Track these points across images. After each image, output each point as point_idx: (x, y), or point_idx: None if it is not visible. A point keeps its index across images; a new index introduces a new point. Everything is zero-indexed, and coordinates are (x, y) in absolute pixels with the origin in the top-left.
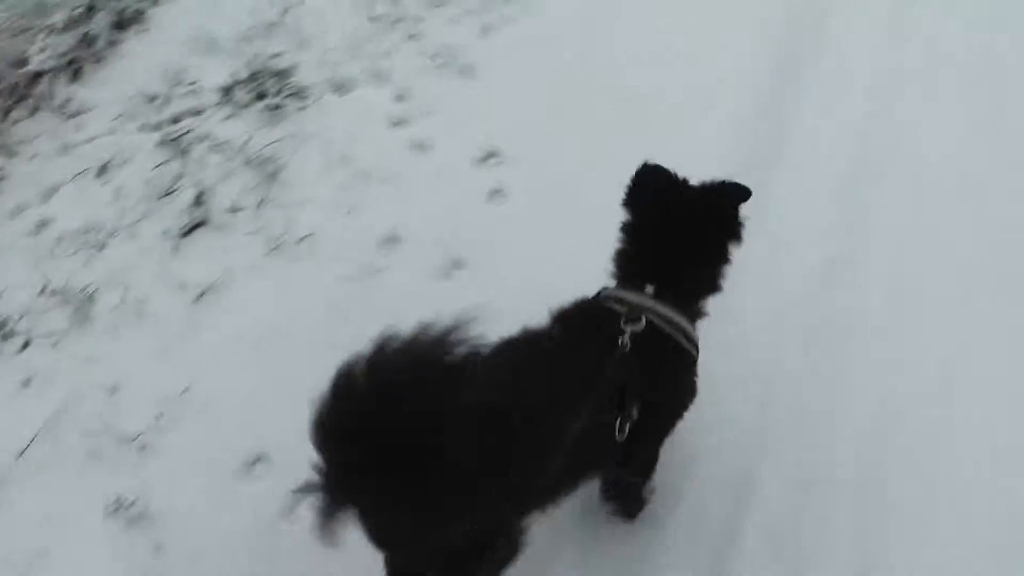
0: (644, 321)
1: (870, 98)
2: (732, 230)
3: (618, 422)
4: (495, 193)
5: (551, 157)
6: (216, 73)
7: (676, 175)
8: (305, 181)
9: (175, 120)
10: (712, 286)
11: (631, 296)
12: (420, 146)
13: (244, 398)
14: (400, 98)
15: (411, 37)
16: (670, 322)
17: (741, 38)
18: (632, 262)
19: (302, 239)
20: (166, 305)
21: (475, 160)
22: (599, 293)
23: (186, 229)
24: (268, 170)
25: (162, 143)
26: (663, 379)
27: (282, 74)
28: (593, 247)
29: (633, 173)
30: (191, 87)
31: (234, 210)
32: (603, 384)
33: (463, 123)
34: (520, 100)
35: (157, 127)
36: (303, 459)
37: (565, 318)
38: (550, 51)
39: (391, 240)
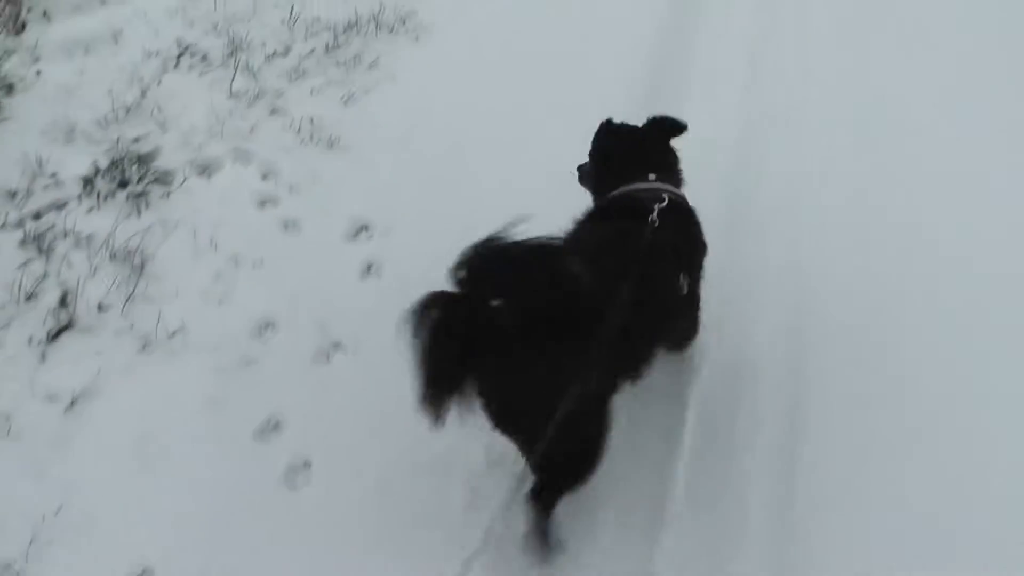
0: (667, 198)
1: None
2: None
3: (680, 278)
4: (368, 269)
5: (423, 225)
6: (77, 162)
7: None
8: (174, 271)
9: (37, 216)
10: (680, 177)
11: (647, 185)
12: (290, 225)
13: (124, 510)
14: (266, 176)
15: (273, 112)
16: (679, 195)
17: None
18: (626, 169)
19: (174, 334)
20: (35, 418)
21: (347, 235)
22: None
23: (52, 334)
24: (135, 263)
25: (24, 242)
26: (688, 236)
27: (144, 159)
28: None
29: (597, 132)
30: (52, 179)
31: (102, 309)
32: (650, 246)
33: (332, 197)
34: (388, 169)
35: (19, 225)
36: (190, 568)
37: (602, 210)
38: (415, 116)
39: (266, 326)
